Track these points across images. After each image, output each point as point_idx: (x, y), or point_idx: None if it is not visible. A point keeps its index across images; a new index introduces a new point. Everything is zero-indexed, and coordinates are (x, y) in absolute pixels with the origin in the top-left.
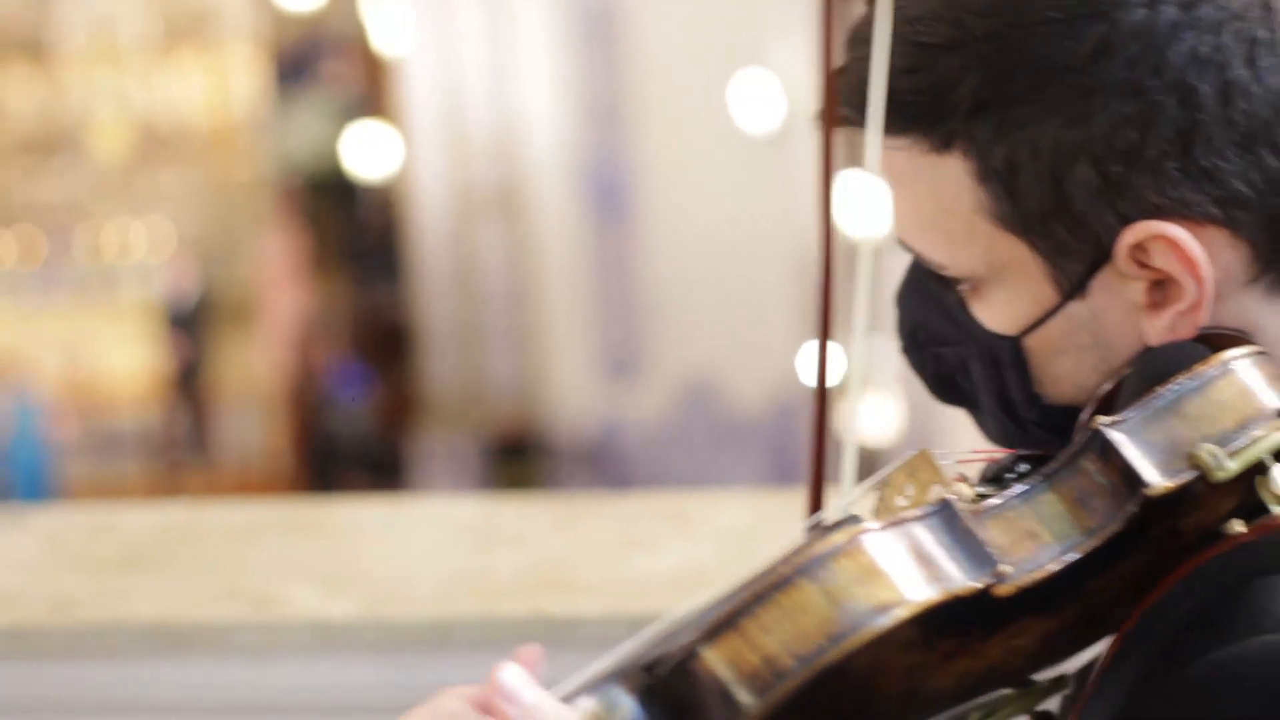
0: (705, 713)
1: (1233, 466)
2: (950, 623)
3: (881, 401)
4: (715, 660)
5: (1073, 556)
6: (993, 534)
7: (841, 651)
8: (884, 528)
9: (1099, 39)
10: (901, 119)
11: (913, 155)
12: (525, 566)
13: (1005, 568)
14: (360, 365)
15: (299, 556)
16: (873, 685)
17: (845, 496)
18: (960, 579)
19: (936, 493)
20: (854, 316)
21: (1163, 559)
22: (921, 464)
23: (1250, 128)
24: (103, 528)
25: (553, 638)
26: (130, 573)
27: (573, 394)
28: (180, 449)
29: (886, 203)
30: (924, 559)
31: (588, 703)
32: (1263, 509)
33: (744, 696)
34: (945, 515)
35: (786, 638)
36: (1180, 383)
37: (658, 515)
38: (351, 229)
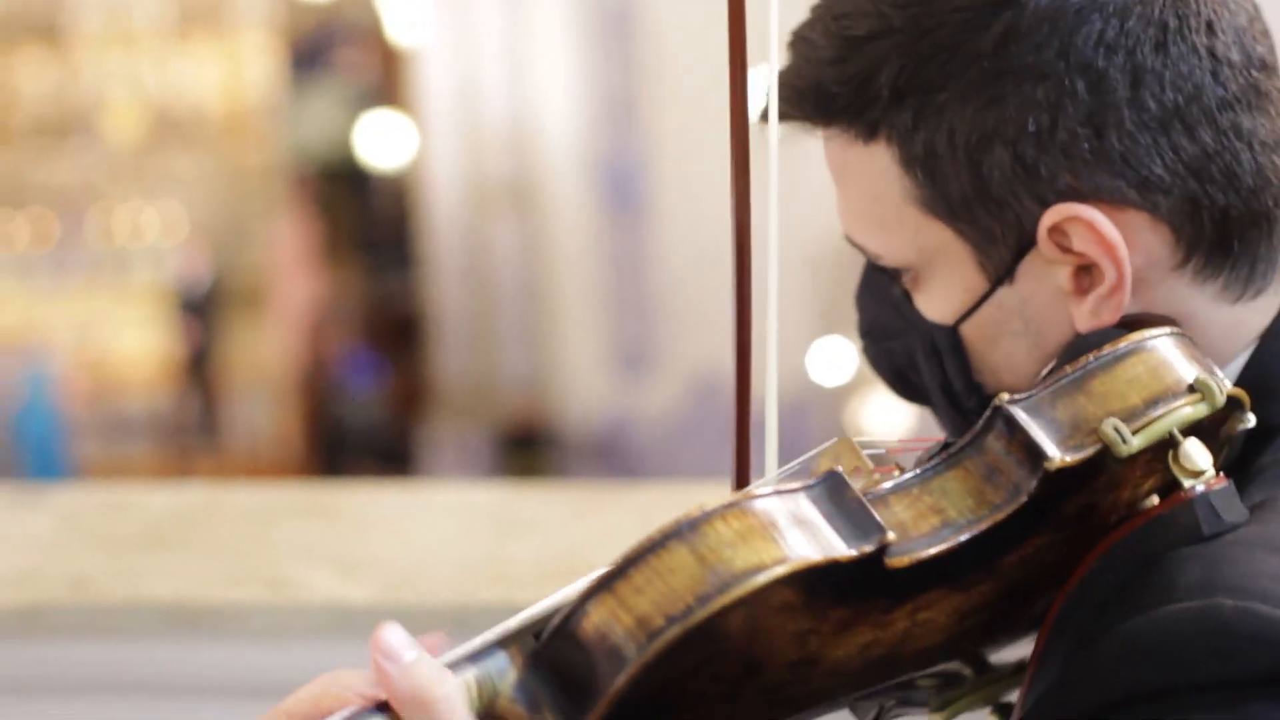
0: (586, 674)
1: (1137, 442)
2: (840, 590)
3: (886, 398)
4: (593, 621)
5: (974, 531)
6: (895, 509)
7: (709, 610)
8: (764, 495)
9: (1007, 24)
10: (829, 110)
11: (843, 146)
12: (543, 554)
13: (891, 535)
14: (371, 354)
15: (316, 540)
16: (756, 647)
17: (759, 483)
18: (841, 545)
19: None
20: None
21: (1084, 538)
22: (844, 449)
23: (1163, 112)
24: (120, 507)
25: None
26: (147, 552)
27: (583, 386)
28: (190, 433)
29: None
30: (803, 525)
31: (469, 670)
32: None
33: (620, 656)
34: (831, 484)
35: (657, 597)
36: (1087, 361)
37: (675, 505)
38: (364, 218)
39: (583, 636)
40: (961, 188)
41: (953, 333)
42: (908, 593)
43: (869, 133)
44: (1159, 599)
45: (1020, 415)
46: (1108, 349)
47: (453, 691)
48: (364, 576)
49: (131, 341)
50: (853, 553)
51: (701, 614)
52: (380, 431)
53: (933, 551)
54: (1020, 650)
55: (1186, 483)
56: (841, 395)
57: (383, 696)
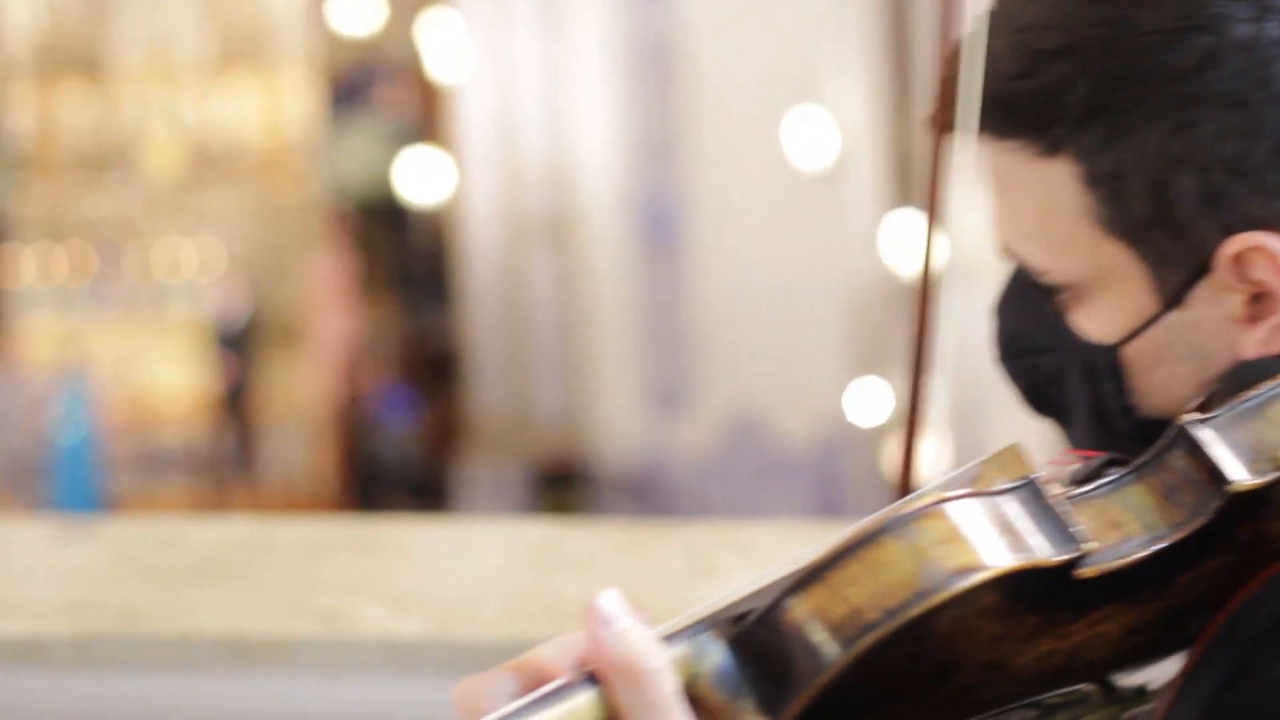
0: (790, 662)
1: None
2: (1035, 597)
3: (931, 439)
4: (802, 611)
5: (1159, 546)
6: (1079, 518)
7: (926, 606)
8: (968, 496)
9: (1205, 50)
10: (1011, 123)
11: (1020, 159)
12: (592, 590)
13: (1089, 545)
14: (407, 390)
15: (367, 574)
16: (956, 649)
17: (931, 488)
18: (1043, 551)
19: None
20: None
21: (1248, 564)
22: (1011, 457)
23: None
24: (169, 540)
25: None
26: (198, 586)
27: (619, 424)
28: (226, 468)
29: (990, 209)
30: (1007, 529)
31: (677, 647)
32: None
33: (829, 647)
34: (1030, 491)
35: (872, 590)
36: (1267, 388)
37: (724, 544)
38: (402, 254)
39: (790, 625)
40: (1145, 210)
41: (1113, 353)
42: (1090, 605)
43: (1051, 149)
44: None
45: (1204, 436)
46: None
47: (664, 665)
48: (415, 611)
49: (168, 376)
50: (1055, 559)
51: (916, 610)
52: (415, 467)
53: (1120, 564)
54: (1145, 674)
55: None
56: (879, 435)
57: (591, 668)
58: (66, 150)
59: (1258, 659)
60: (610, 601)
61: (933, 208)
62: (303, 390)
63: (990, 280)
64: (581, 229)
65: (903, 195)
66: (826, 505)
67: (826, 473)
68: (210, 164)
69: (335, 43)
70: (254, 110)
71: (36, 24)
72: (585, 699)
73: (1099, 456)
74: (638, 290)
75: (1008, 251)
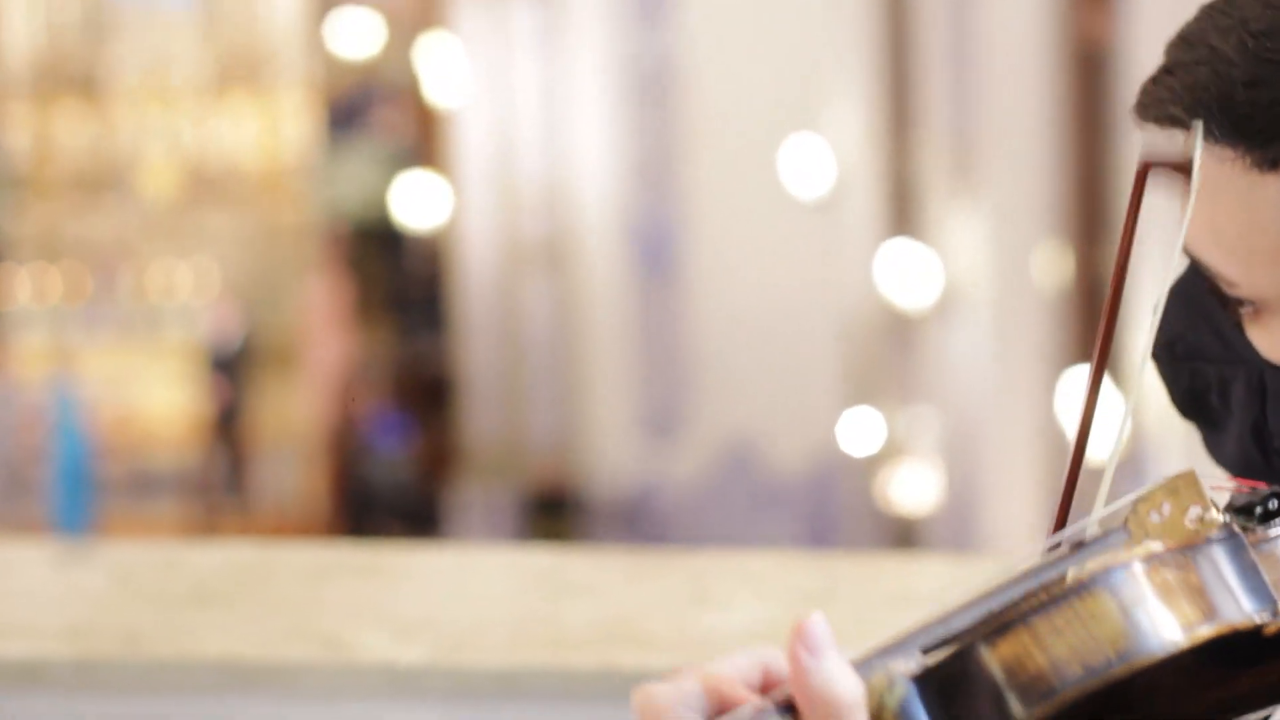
0: (984, 706)
1: None
2: (1220, 653)
3: (922, 470)
4: (1001, 654)
5: None
6: (1265, 568)
7: (1129, 668)
8: (1176, 549)
9: None
10: (1233, 131)
11: (1237, 168)
12: (595, 618)
13: None
14: (400, 414)
15: (369, 600)
16: (1141, 703)
17: (1096, 514)
18: (1244, 611)
19: (1200, 515)
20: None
21: None
22: (1184, 484)
23: None
24: (170, 564)
25: (623, 691)
26: (199, 609)
27: (612, 451)
28: (217, 491)
29: (1188, 208)
30: (1213, 586)
31: (869, 676)
32: None
33: (1020, 700)
34: (1234, 545)
35: (1077, 644)
36: None
37: (729, 572)
38: (397, 278)
39: (986, 668)
40: None
41: None
42: (1265, 656)
43: (1271, 162)
44: None
45: None
46: None
47: (861, 702)
48: (417, 637)
49: (161, 398)
50: (1253, 620)
51: (1119, 670)
52: (407, 492)
53: None
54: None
55: None
56: (871, 465)
57: (788, 693)
58: (63, 171)
59: None
60: (817, 628)
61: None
62: (296, 414)
63: (983, 313)
64: (577, 254)
65: (899, 225)
66: (818, 534)
67: (819, 501)
68: (206, 186)
69: (333, 66)
70: (251, 133)
71: (34, 44)
72: None
73: (1262, 488)
74: (633, 316)
75: (1191, 253)
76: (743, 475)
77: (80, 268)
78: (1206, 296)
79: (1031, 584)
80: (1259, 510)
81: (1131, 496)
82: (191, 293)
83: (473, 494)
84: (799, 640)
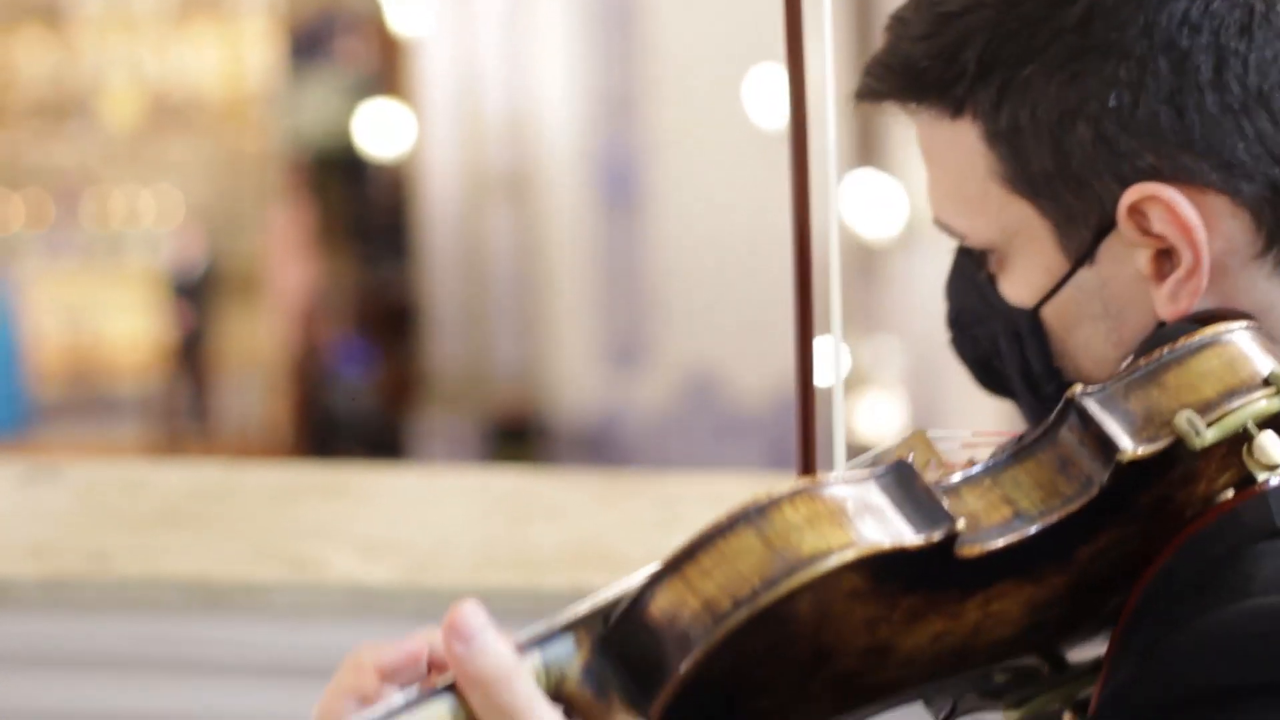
0: (653, 657)
1: (1210, 435)
2: (910, 578)
3: (886, 400)
4: (659, 605)
5: (1045, 523)
6: (966, 499)
7: (775, 594)
8: (834, 482)
9: (1092, 1)
10: (918, 86)
11: (931, 122)
12: (564, 540)
13: (960, 524)
14: (363, 343)
15: (337, 520)
16: (825, 634)
17: (835, 475)
18: (909, 533)
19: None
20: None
21: (1160, 532)
22: (918, 443)
23: (1245, 95)
24: (137, 484)
25: None
26: (167, 529)
27: (575, 380)
28: (180, 418)
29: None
30: (872, 512)
31: (536, 655)
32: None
33: (686, 640)
34: (901, 473)
35: (724, 581)
36: (1162, 354)
37: (698, 495)
38: (360, 206)
39: (649, 620)
40: (1043, 164)
41: (1033, 316)
42: (979, 583)
43: (955, 108)
44: (1234, 595)
45: (1093, 407)
46: (1182, 342)
47: (516, 673)
48: (385, 558)
49: (124, 325)
50: (920, 540)
51: (768, 598)
52: (370, 420)
53: (1003, 542)
54: (1096, 648)
55: (1260, 476)
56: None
57: (450, 677)
58: (24, 98)
59: (1173, 622)
60: (468, 618)
61: (800, 194)
62: (259, 341)
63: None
64: (541, 184)
65: (863, 155)
66: (781, 463)
67: (782, 430)
68: (169, 114)
69: None
70: (213, 60)
71: None
72: (444, 707)
73: (1012, 435)
74: (596, 246)
75: (938, 222)
76: (706, 404)
77: (42, 195)
78: (967, 261)
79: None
80: None
81: (865, 456)
82: (154, 220)
83: (435, 422)
84: (448, 630)
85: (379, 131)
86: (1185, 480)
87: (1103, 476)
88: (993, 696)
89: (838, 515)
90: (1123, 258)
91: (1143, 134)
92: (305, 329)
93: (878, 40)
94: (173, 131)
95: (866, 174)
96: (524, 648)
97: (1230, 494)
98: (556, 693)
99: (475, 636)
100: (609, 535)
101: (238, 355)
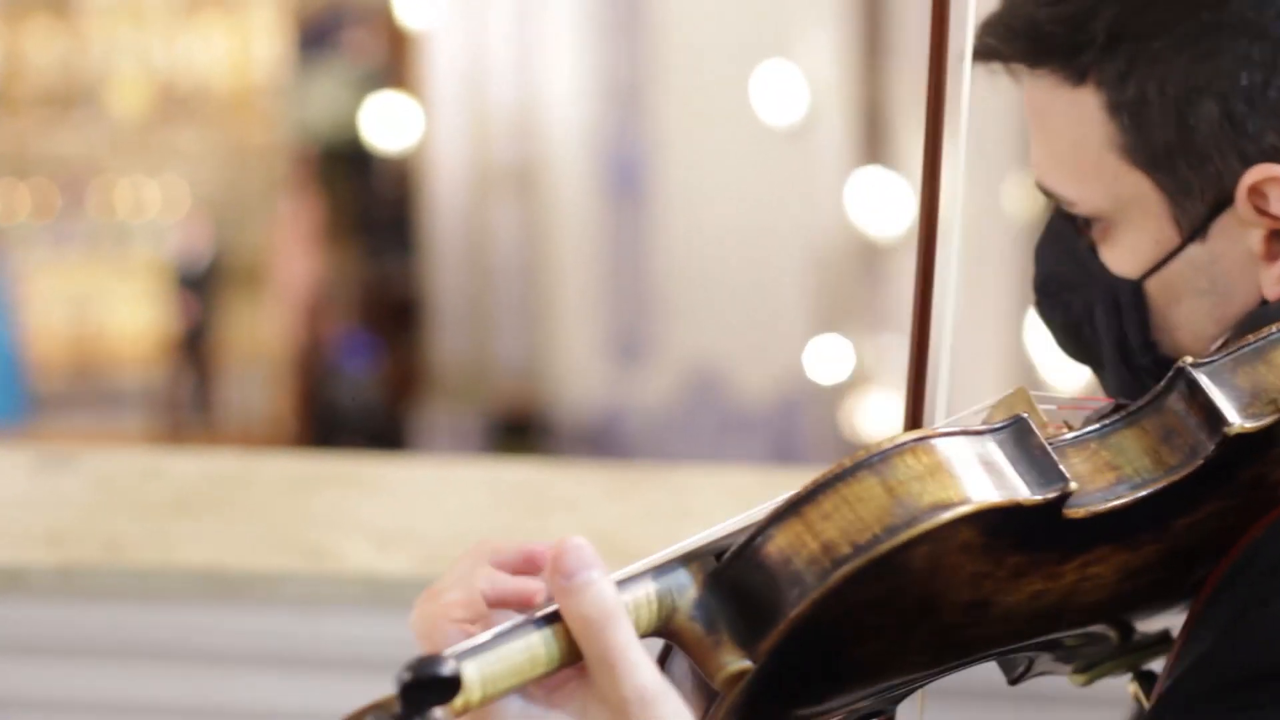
0: (766, 597)
1: None
2: (1019, 536)
3: (889, 399)
4: (777, 545)
5: (1150, 490)
6: (1073, 461)
7: (896, 542)
8: (952, 433)
9: None
10: (1041, 50)
11: (1050, 87)
12: (577, 531)
13: (1074, 485)
14: (368, 336)
15: (352, 511)
16: (934, 585)
17: (934, 427)
18: (1025, 490)
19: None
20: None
21: (1252, 509)
22: (1019, 400)
23: None
24: (152, 472)
25: None
26: (180, 518)
27: (579, 375)
28: (183, 408)
29: (1028, 141)
30: (990, 467)
31: (650, 586)
32: None
33: (801, 582)
34: (1019, 430)
35: (844, 525)
36: (1271, 332)
37: (710, 487)
38: (366, 199)
39: (766, 559)
40: (1166, 138)
41: (1137, 287)
42: (1080, 546)
43: (1079, 76)
44: None
45: (1202, 379)
46: None
47: (619, 617)
48: (400, 548)
49: (128, 315)
50: (1036, 498)
51: (887, 545)
52: (373, 413)
53: (1109, 506)
54: (1164, 620)
55: None
56: (838, 393)
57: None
58: (33, 87)
59: (1259, 596)
60: (573, 553)
61: (931, 170)
62: (263, 333)
63: (953, 240)
64: (547, 178)
65: (870, 153)
66: (784, 458)
67: (784, 428)
68: (176, 104)
69: None
70: (222, 51)
71: None
72: (547, 635)
73: (1108, 402)
74: (601, 240)
75: (1041, 186)
76: (709, 401)
77: (48, 184)
78: (1066, 228)
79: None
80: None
81: (967, 413)
82: (160, 210)
83: (439, 416)
84: (554, 569)
85: (386, 124)
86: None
87: (1208, 448)
88: (1063, 660)
89: (956, 467)
90: (1235, 236)
91: (1270, 114)
92: (310, 321)
93: (886, 32)
94: (180, 122)
95: (873, 171)
96: (637, 578)
97: None
98: (666, 624)
99: (576, 575)
100: (620, 527)
101: (242, 347)
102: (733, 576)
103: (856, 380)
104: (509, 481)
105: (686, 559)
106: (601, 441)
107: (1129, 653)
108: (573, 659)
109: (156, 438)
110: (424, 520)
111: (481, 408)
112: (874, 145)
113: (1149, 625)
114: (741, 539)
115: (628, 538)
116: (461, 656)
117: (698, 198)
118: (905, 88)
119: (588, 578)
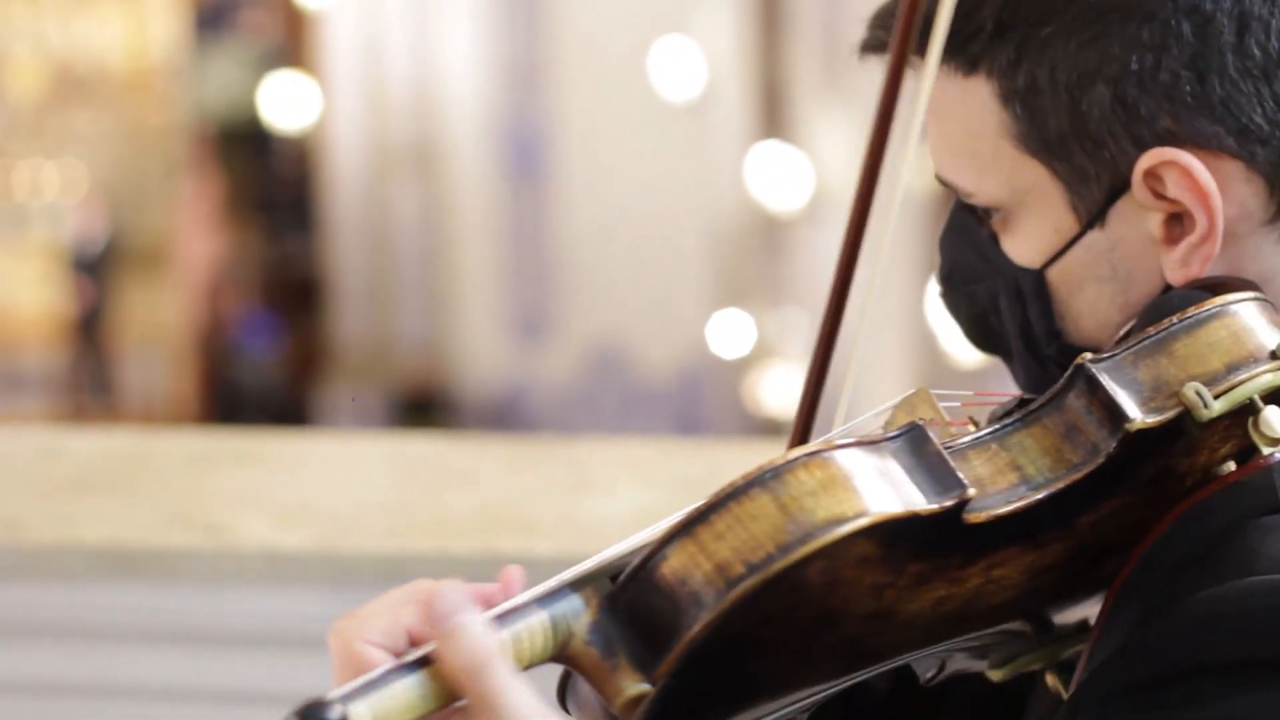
0: (662, 619)
1: (1218, 406)
2: (918, 544)
3: (792, 373)
4: (672, 566)
5: (1051, 490)
6: (973, 464)
7: (790, 560)
8: (847, 445)
9: None
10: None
11: (943, 79)
12: (477, 505)
13: (971, 491)
14: (269, 315)
15: (251, 487)
16: (833, 599)
17: (833, 432)
18: (922, 499)
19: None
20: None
21: (1160, 502)
22: (920, 401)
23: (1267, 60)
24: (50, 451)
25: None
26: (79, 496)
27: (481, 352)
28: (84, 391)
29: (924, 134)
30: (885, 476)
31: (543, 613)
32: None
33: (697, 603)
34: (914, 437)
35: (738, 544)
36: (1171, 323)
37: (610, 460)
38: (265, 179)
39: (661, 581)
40: (1059, 124)
41: (1039, 276)
42: (983, 549)
43: (969, 66)
44: (1239, 569)
45: (1102, 375)
46: (1191, 311)
47: (494, 658)
48: (299, 524)
49: (26, 298)
50: (933, 507)
51: (782, 563)
52: (276, 393)
53: (1010, 509)
54: (1082, 611)
55: (1265, 450)
56: (740, 367)
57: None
58: None
59: (1172, 593)
60: (445, 597)
61: (881, 136)
62: (163, 315)
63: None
64: (446, 156)
65: (769, 127)
66: (687, 433)
67: (688, 403)
68: (73, 86)
69: None
70: (118, 33)
71: None
72: (422, 678)
73: (1013, 397)
74: (502, 218)
75: (940, 178)
76: (612, 377)
77: None
78: (968, 219)
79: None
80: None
81: (868, 415)
82: (58, 193)
83: (342, 395)
84: (426, 615)
85: (284, 104)
86: (1187, 450)
87: (1110, 445)
88: (978, 656)
89: (851, 480)
90: (1134, 221)
91: (1162, 98)
92: (210, 302)
93: (784, 6)
94: (77, 104)
95: (772, 146)
96: (530, 604)
97: (1231, 466)
98: (562, 650)
99: (448, 619)
100: (521, 500)
101: (142, 329)
102: (628, 599)
103: (758, 354)
104: (409, 455)
105: (580, 583)
106: (505, 418)
107: (1047, 645)
108: (458, 695)
109: (57, 420)
110: (324, 496)
111: (384, 386)
112: (773, 119)
113: (1066, 616)
114: (636, 560)
115: (528, 510)
116: (348, 698)
117: (597, 174)
118: (803, 62)
119: (460, 622)
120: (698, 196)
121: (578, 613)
